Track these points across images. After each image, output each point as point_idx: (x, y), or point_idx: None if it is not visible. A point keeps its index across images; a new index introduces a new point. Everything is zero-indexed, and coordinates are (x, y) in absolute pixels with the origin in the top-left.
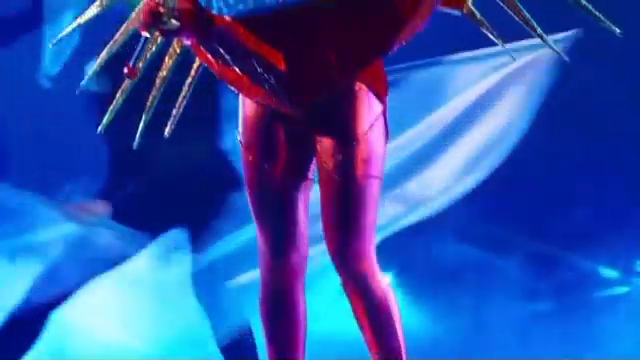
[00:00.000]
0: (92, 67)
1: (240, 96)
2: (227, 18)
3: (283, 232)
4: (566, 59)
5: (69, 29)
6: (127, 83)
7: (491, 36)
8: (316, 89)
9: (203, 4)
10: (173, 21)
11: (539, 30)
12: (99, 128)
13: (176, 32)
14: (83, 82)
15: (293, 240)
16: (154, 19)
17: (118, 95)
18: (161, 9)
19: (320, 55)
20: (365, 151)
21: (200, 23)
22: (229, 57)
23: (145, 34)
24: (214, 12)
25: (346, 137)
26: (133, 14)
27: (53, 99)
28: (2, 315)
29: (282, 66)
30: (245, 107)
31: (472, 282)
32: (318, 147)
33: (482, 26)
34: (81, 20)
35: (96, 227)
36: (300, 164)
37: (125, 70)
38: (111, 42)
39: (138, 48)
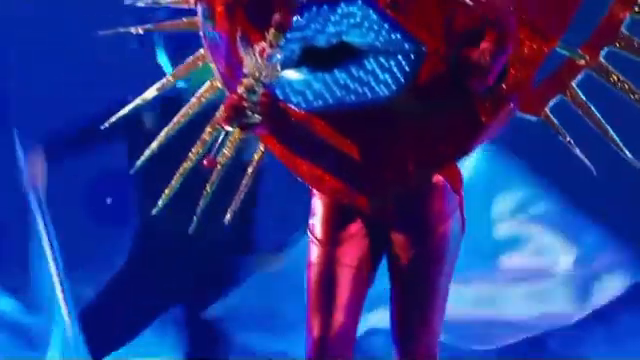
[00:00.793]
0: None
1: (314, 192)
2: (304, 112)
3: (335, 324)
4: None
5: None
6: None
7: (568, 145)
8: (391, 187)
9: (281, 98)
10: (255, 115)
11: (617, 141)
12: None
13: (256, 126)
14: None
15: (343, 337)
16: (236, 113)
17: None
18: (244, 103)
19: (398, 155)
20: (441, 247)
21: (279, 117)
22: (303, 149)
23: (227, 128)
24: (292, 106)
25: (422, 232)
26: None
27: None
28: None
29: (359, 161)
30: (318, 202)
31: None
32: (392, 240)
33: (559, 134)
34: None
35: None
36: (372, 257)
37: (205, 162)
38: (171, 124)
39: (219, 141)
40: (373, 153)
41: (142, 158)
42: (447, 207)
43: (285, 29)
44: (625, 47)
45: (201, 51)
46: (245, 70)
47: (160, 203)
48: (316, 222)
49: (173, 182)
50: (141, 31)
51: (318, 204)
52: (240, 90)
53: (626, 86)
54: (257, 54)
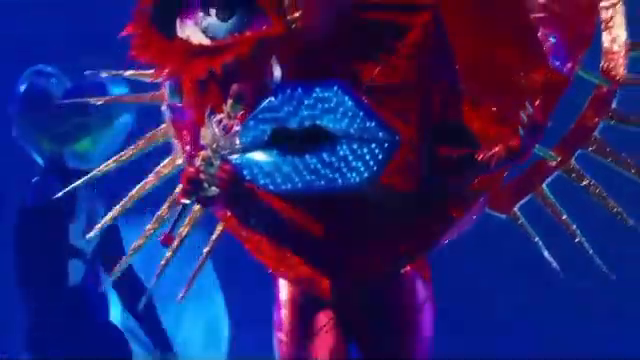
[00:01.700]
0: None
1: (276, 281)
2: (270, 194)
3: None
4: None
5: None
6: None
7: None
8: (359, 277)
9: (248, 178)
10: (213, 188)
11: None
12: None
13: (214, 200)
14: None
15: None
16: (193, 186)
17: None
18: (202, 176)
19: (364, 245)
20: (411, 338)
21: (241, 193)
22: (266, 230)
23: (184, 201)
24: (258, 187)
25: (391, 323)
26: None
27: None
28: None
29: (325, 249)
30: (281, 292)
31: None
32: (360, 333)
33: (528, 234)
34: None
35: None
36: (340, 350)
37: (161, 237)
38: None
39: (175, 216)
40: (340, 241)
41: (97, 227)
42: (417, 297)
43: (243, 100)
44: (597, 151)
45: (163, 126)
46: (203, 142)
47: (112, 276)
48: (281, 319)
49: (125, 258)
50: (99, 103)
51: (282, 299)
52: (197, 162)
53: (597, 190)
54: (215, 125)
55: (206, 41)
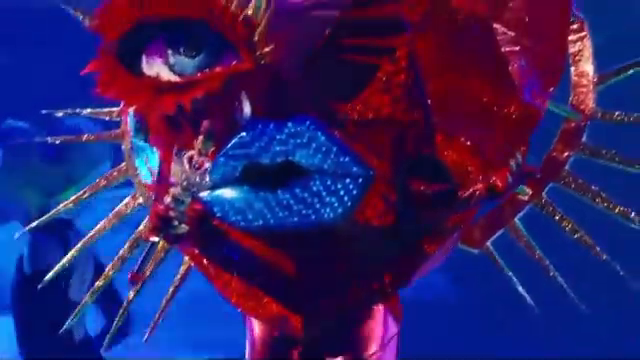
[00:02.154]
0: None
1: (247, 319)
2: (240, 230)
3: None
4: None
5: None
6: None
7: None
8: (328, 313)
9: (219, 215)
10: (182, 226)
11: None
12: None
13: (183, 238)
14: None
15: None
16: (162, 223)
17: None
18: (171, 213)
19: (336, 281)
20: None
21: (211, 231)
22: (236, 268)
23: (152, 239)
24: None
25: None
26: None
27: None
28: None
29: (296, 284)
30: (252, 329)
31: None
32: None
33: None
34: None
35: None
36: None
37: (129, 276)
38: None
39: (143, 253)
40: (312, 278)
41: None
42: (385, 334)
43: (214, 137)
44: (568, 184)
45: (122, 164)
46: (172, 179)
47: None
48: (252, 358)
49: (87, 298)
50: (58, 142)
51: (253, 337)
52: (167, 200)
53: (569, 224)
54: (185, 162)
55: (174, 77)
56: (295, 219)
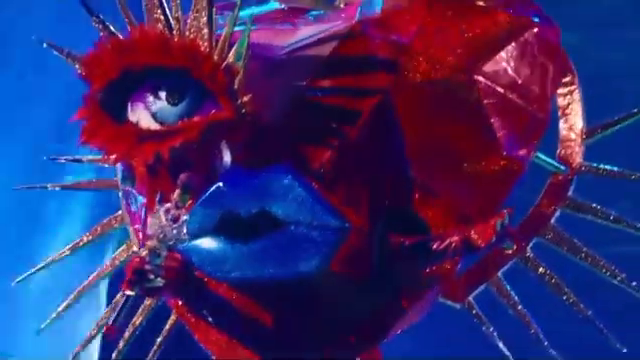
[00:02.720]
0: None
1: None
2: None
3: None
4: None
5: None
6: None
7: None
8: None
9: (196, 266)
10: (158, 279)
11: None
12: None
13: (160, 291)
14: None
15: None
16: (139, 277)
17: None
18: (147, 267)
19: (313, 335)
20: None
21: (188, 283)
22: (214, 320)
23: (128, 293)
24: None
25: None
26: None
27: None
28: None
29: (272, 338)
30: None
31: None
32: None
33: (482, 323)
34: None
35: None
36: None
37: (104, 329)
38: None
39: (119, 306)
40: (290, 331)
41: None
42: None
43: (191, 190)
44: (553, 240)
45: (119, 212)
46: (149, 231)
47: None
48: None
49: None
50: (58, 188)
51: None
52: (143, 253)
53: (552, 279)
54: (162, 215)
55: (155, 125)
56: (271, 270)
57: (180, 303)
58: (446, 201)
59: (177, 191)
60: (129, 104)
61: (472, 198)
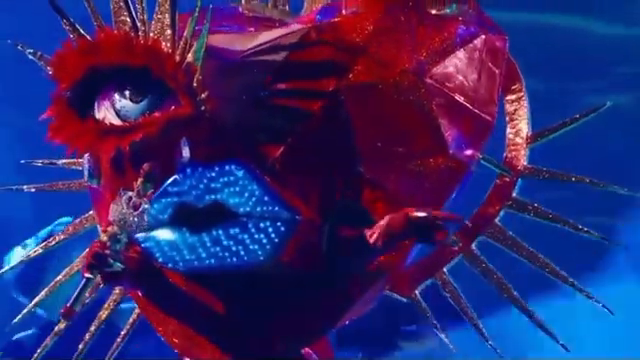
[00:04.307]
0: None
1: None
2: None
3: None
4: None
5: None
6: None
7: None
8: (257, 355)
9: (157, 256)
10: (117, 264)
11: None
12: None
13: (119, 278)
14: None
15: None
16: (98, 261)
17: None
18: (106, 251)
19: (263, 325)
20: None
21: (147, 271)
22: (172, 310)
23: (87, 276)
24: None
25: None
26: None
27: None
28: None
29: (225, 329)
30: None
31: None
32: None
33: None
34: None
35: None
36: None
37: (62, 310)
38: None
39: (78, 289)
40: (239, 320)
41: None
42: None
43: (154, 179)
44: (496, 238)
45: (90, 212)
46: (110, 218)
47: None
48: None
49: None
50: (33, 189)
51: None
52: (104, 238)
53: (494, 276)
54: (124, 202)
55: (118, 121)
56: (222, 261)
57: (140, 294)
58: (393, 197)
59: (139, 179)
60: (96, 102)
61: (418, 195)
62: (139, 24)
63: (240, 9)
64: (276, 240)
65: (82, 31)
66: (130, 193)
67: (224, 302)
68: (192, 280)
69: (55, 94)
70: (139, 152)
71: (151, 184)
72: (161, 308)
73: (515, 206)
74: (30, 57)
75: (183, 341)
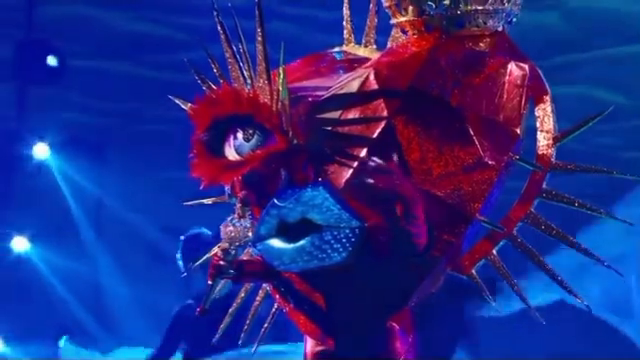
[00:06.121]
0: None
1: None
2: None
3: None
4: None
5: None
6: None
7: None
8: (354, 332)
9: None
10: (231, 271)
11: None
12: None
13: (242, 278)
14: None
15: None
16: (216, 270)
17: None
18: (221, 262)
19: (356, 308)
20: None
21: (271, 273)
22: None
23: (209, 282)
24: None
25: None
26: None
27: None
28: None
29: (327, 312)
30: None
31: None
32: None
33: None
34: None
35: None
36: None
37: (198, 309)
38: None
39: (207, 292)
40: (334, 305)
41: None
42: (400, 347)
43: (249, 203)
44: (533, 223)
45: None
46: (222, 236)
47: None
48: None
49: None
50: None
51: (304, 354)
52: (219, 253)
53: (536, 258)
54: (229, 223)
55: (235, 157)
56: (315, 262)
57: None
58: (439, 200)
59: (238, 205)
60: (226, 142)
61: (460, 196)
62: (248, 79)
63: (343, 53)
64: (349, 244)
65: (212, 85)
66: (234, 215)
67: (320, 292)
68: (300, 276)
69: (193, 138)
70: (254, 178)
71: (248, 207)
72: (283, 298)
73: (546, 195)
74: None
75: (298, 319)
